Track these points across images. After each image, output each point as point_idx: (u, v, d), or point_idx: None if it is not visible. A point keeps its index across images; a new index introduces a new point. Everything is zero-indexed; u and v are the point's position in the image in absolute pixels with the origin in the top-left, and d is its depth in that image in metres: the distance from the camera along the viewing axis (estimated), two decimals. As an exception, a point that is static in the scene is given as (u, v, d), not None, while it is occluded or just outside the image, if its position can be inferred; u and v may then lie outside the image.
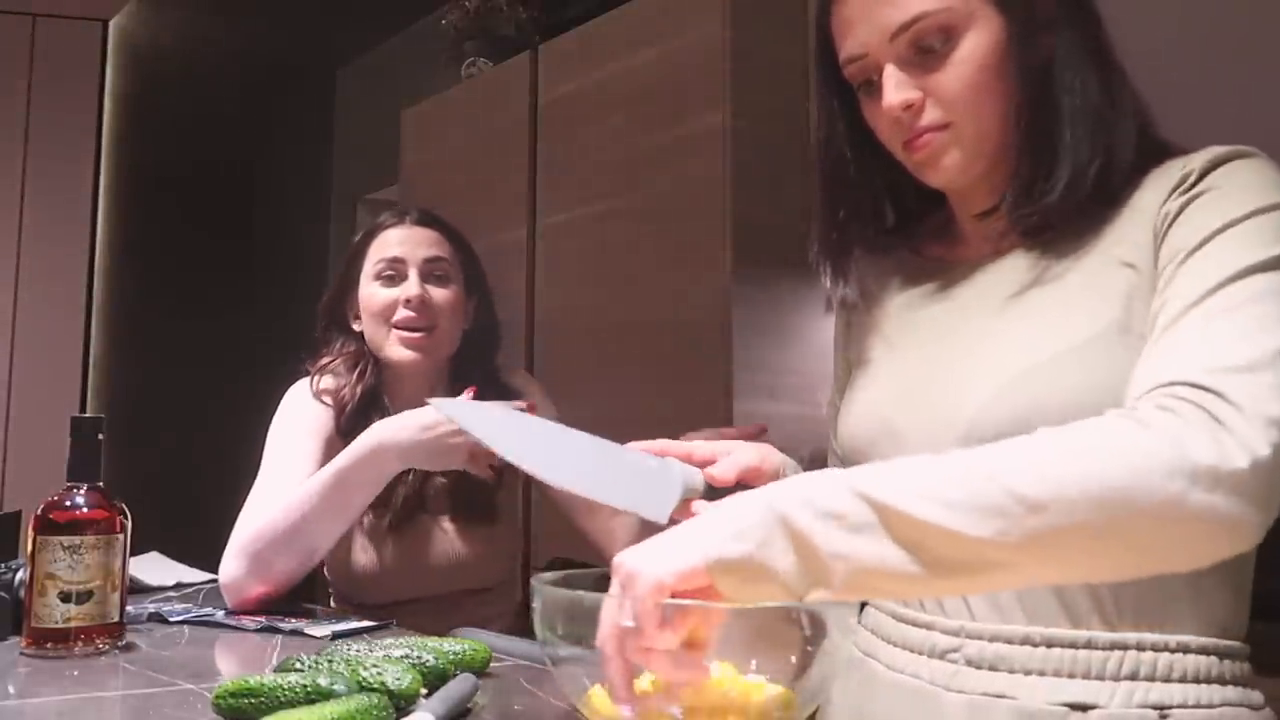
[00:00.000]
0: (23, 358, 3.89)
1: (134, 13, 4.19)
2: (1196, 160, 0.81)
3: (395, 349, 1.49)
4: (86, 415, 1.42)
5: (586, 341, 2.26)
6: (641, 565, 0.68)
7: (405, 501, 1.47)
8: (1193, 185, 0.79)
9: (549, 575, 0.81)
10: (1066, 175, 0.83)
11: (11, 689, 0.91)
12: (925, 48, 0.85)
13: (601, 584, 0.81)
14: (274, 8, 3.89)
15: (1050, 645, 0.78)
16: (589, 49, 2.42)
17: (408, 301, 1.47)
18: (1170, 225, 0.79)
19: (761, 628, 0.71)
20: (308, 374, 1.54)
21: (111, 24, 4.15)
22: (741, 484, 0.89)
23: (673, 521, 0.82)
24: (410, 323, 1.48)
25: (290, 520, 1.30)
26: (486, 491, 1.51)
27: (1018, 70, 0.85)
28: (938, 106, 0.86)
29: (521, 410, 0.99)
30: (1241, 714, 0.76)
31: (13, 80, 3.92)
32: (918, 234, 1.02)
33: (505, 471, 1.52)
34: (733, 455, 0.92)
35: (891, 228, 1.01)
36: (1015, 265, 0.89)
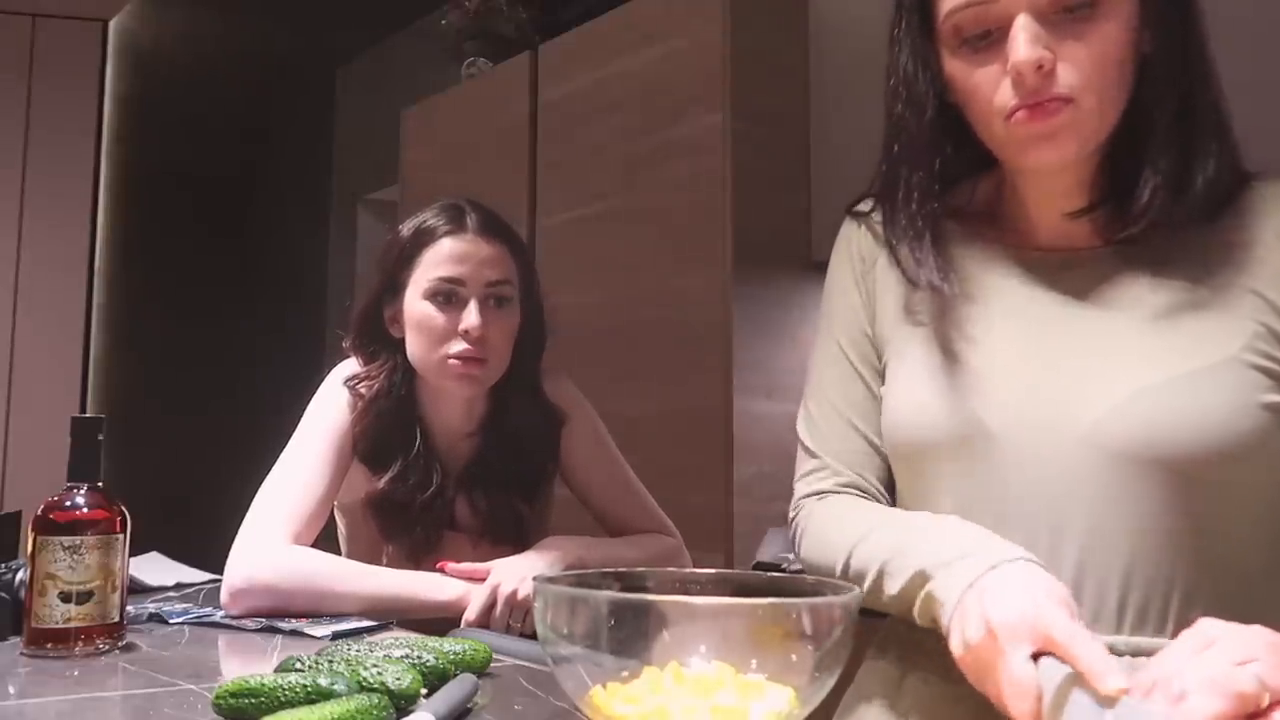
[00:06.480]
0: (23, 358, 3.89)
1: (134, 13, 4.19)
2: None
3: (446, 379, 1.40)
4: (86, 415, 1.42)
5: (586, 341, 2.26)
6: None
7: (435, 519, 1.44)
8: None
9: (549, 574, 0.81)
10: (1204, 180, 0.81)
11: (11, 689, 0.91)
12: (1070, 7, 0.80)
13: (601, 584, 0.81)
14: (274, 7, 3.90)
15: (1136, 654, 0.77)
16: (589, 49, 2.42)
17: (465, 333, 1.37)
18: None
19: (761, 627, 0.70)
20: (347, 355, 1.48)
21: (111, 24, 4.16)
22: None
23: None
24: (467, 354, 1.38)
25: (329, 589, 1.26)
26: (516, 513, 1.48)
27: (1147, 64, 0.82)
28: (1071, 75, 0.80)
29: None
30: None
31: (13, 80, 3.92)
32: (963, 215, 0.95)
33: (536, 497, 1.51)
34: None
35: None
36: (1135, 273, 0.85)
